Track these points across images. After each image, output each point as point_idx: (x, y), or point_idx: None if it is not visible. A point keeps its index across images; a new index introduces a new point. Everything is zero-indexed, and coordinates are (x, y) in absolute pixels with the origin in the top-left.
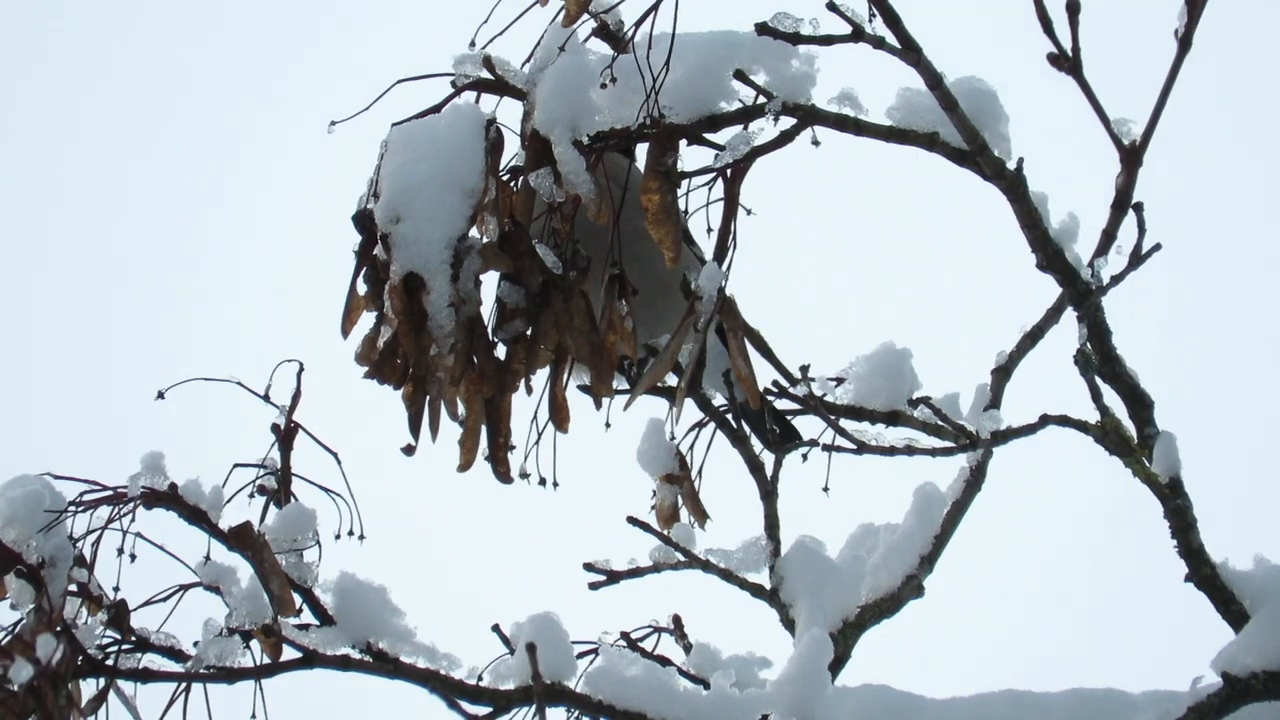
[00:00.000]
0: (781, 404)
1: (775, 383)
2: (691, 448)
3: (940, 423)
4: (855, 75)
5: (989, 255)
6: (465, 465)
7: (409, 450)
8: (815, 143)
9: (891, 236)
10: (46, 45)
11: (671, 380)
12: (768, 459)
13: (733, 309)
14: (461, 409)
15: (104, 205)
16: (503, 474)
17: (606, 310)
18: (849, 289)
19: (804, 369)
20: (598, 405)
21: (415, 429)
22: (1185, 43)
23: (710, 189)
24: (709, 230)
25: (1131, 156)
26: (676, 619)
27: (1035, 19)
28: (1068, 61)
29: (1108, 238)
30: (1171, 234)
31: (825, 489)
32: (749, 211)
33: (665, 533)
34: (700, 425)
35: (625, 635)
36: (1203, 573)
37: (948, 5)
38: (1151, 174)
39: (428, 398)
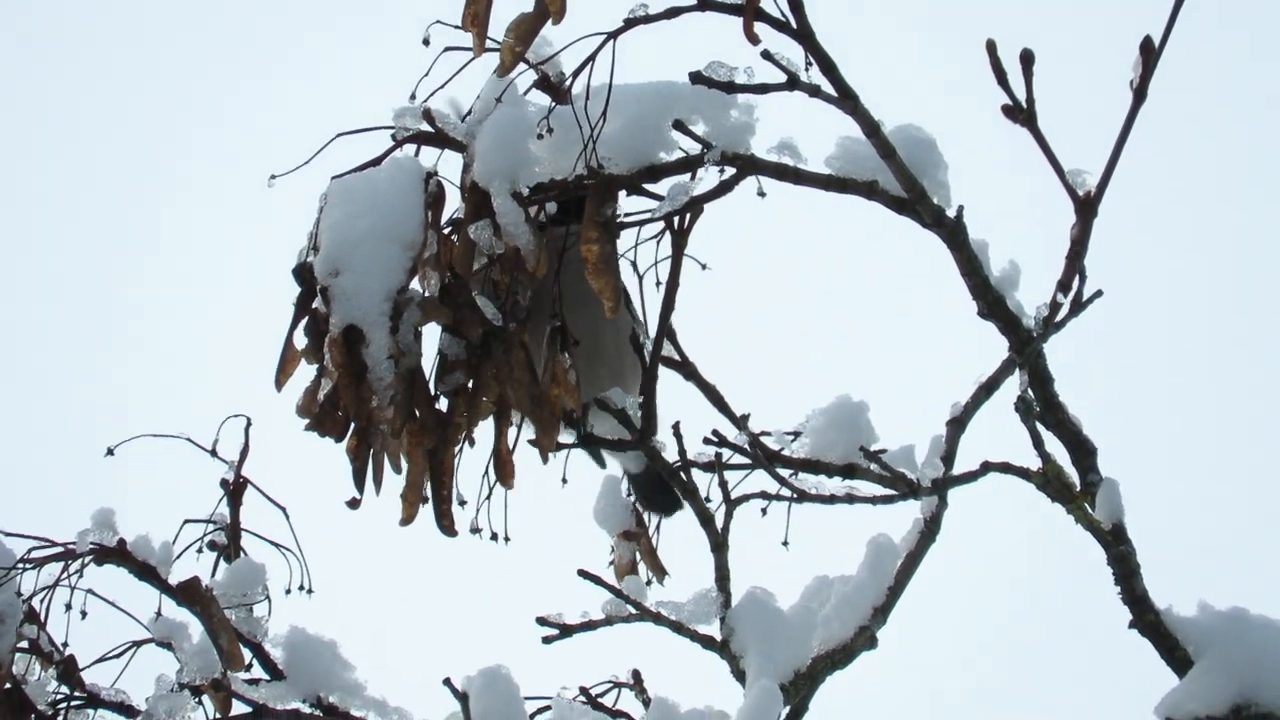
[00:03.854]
0: (725, 453)
1: (715, 432)
2: None
3: (891, 473)
4: (797, 124)
5: (942, 302)
6: (407, 519)
7: (354, 504)
8: (761, 193)
9: (843, 285)
10: None
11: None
12: (718, 511)
13: None
14: (404, 462)
15: (51, 258)
16: (447, 527)
17: (549, 363)
18: (805, 339)
19: (745, 418)
20: (544, 459)
21: (360, 482)
22: (1140, 94)
23: (659, 244)
24: (658, 284)
25: (1086, 207)
26: (636, 674)
27: (989, 69)
28: (1023, 113)
29: (1063, 288)
30: (1116, 281)
31: (785, 543)
32: (704, 266)
33: (618, 586)
34: None
35: (585, 691)
36: (1147, 619)
37: (890, 52)
38: (1102, 221)
39: (371, 451)
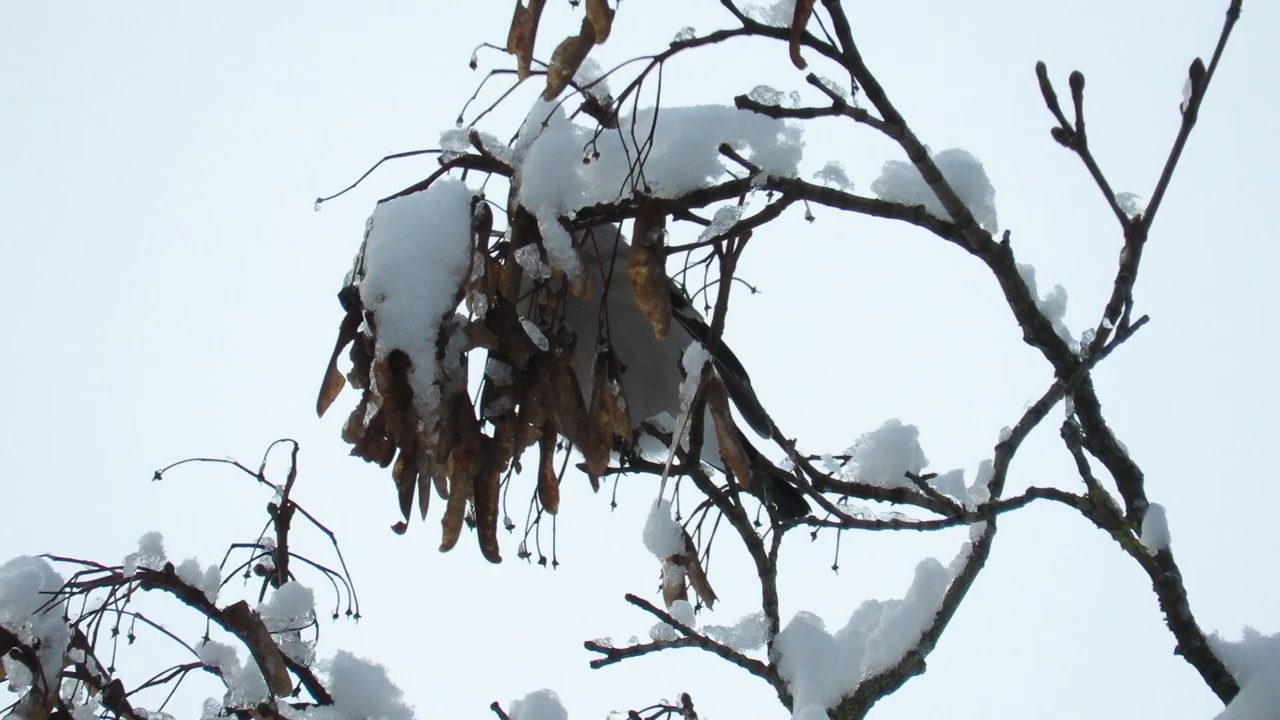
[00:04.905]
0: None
1: (764, 456)
2: (698, 528)
3: (938, 499)
4: (844, 147)
5: (989, 327)
6: (448, 544)
7: (400, 528)
8: (809, 218)
9: (891, 308)
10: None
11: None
12: (766, 536)
13: (719, 389)
14: (448, 486)
15: (98, 285)
16: (491, 553)
17: (597, 390)
18: (853, 363)
19: (791, 442)
20: (595, 486)
21: (406, 507)
22: (1190, 117)
23: (708, 268)
24: (706, 307)
25: (1135, 231)
26: (685, 698)
27: (1038, 92)
28: (1073, 136)
29: (1110, 313)
30: (1163, 306)
31: (835, 567)
32: (754, 290)
33: (666, 610)
34: (706, 505)
35: (634, 715)
36: (1193, 645)
37: (937, 76)
38: (1150, 245)
39: (417, 476)
